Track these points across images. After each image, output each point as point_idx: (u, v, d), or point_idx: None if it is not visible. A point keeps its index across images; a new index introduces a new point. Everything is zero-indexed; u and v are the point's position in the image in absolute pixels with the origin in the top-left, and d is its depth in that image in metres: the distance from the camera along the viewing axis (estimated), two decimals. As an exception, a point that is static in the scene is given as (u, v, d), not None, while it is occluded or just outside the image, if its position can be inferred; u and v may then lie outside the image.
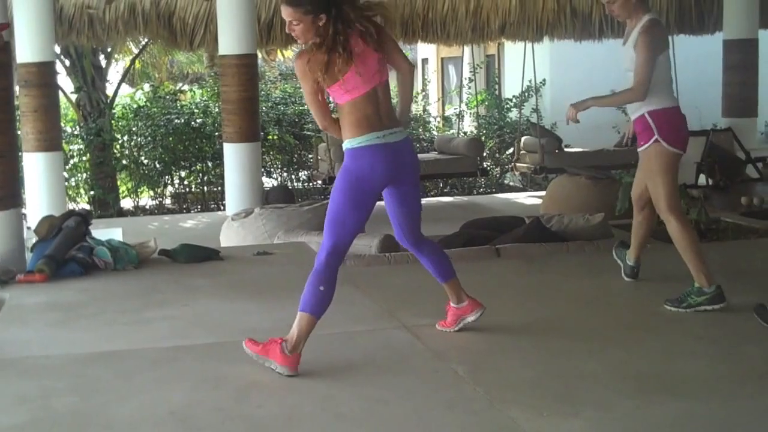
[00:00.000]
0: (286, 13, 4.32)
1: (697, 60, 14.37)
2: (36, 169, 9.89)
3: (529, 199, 12.54)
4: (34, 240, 6.85)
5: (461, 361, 4.45)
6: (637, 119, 5.42)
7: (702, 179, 10.92)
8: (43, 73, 9.98)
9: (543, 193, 11.82)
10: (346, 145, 4.37)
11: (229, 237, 8.25)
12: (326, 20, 4.26)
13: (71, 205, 12.91)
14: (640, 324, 5.11)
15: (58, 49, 12.64)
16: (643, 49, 5.25)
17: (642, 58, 5.24)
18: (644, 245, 5.90)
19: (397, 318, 5.18)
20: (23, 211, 7.71)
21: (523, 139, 13.36)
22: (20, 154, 8.21)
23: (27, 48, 9.79)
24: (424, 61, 21.96)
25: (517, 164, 13.23)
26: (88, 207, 13.45)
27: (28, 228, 7.12)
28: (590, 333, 4.93)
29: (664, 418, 3.71)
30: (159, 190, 14.49)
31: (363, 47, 4.33)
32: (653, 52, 5.27)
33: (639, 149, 5.49)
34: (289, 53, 20.58)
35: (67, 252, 6.45)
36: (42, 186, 9.92)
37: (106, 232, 7.72)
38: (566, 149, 13.26)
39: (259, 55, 15.28)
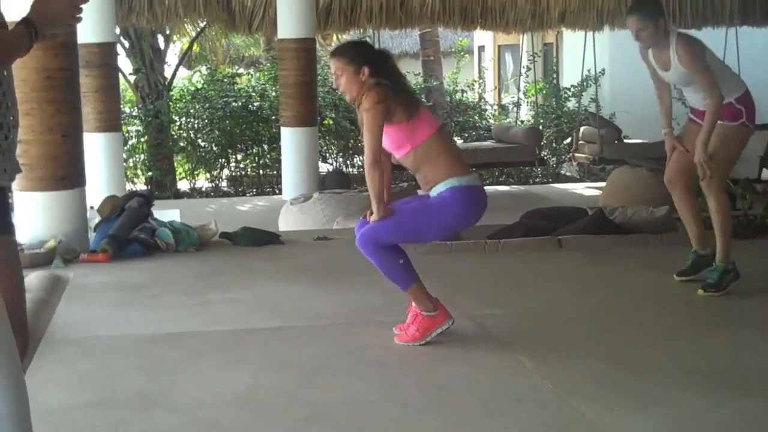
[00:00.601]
0: (332, 63, 4.50)
1: (762, 53, 14.10)
2: (96, 150, 9.94)
3: (586, 190, 12.41)
4: (96, 220, 6.91)
5: (526, 352, 4.40)
6: (725, 107, 5.40)
7: (765, 173, 10.73)
8: (104, 53, 10.05)
9: (600, 184, 11.71)
10: (456, 182, 4.35)
11: (288, 221, 8.26)
12: (368, 74, 4.35)
13: (129, 186, 13.00)
14: (704, 318, 5.05)
15: (117, 31, 12.68)
16: (693, 63, 5.36)
17: (698, 70, 5.36)
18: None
19: (460, 307, 5.13)
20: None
21: (581, 129, 13.23)
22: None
23: (88, 29, 9.82)
24: (481, 48, 21.81)
25: (576, 154, 13.10)
26: (146, 188, 13.54)
27: (91, 207, 7.17)
28: (654, 326, 4.88)
29: (736, 416, 3.65)
30: (215, 173, 14.54)
31: None
32: (702, 60, 5.40)
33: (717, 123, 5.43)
34: (346, 37, 20.58)
35: (129, 232, 6.50)
36: (102, 166, 9.98)
37: (164, 213, 7.75)
38: (625, 140, 13.10)
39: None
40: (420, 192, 4.75)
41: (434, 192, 4.41)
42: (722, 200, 5.50)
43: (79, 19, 2.85)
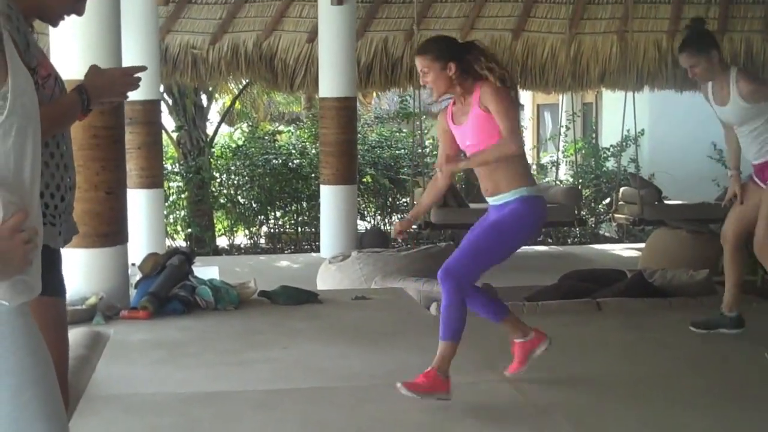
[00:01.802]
0: (417, 62, 4.48)
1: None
2: (138, 206, 10.04)
3: (625, 251, 12.35)
4: (137, 276, 6.96)
5: (566, 417, 4.36)
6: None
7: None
8: (148, 111, 10.18)
9: (640, 245, 11.64)
10: (529, 191, 4.41)
11: (326, 280, 8.28)
12: (456, 71, 4.35)
13: (169, 242, 13.11)
14: (751, 383, 4.96)
15: (162, 88, 12.88)
16: (759, 92, 5.31)
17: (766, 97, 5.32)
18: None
19: (499, 371, 5.10)
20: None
21: (621, 189, 13.18)
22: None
23: (134, 87, 10.02)
24: (520, 107, 21.88)
25: (615, 215, 13.04)
26: (185, 244, 13.63)
27: (132, 264, 7.24)
28: (697, 391, 4.80)
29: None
30: (254, 230, 14.64)
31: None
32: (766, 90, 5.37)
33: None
34: (386, 96, 20.74)
35: (170, 290, 6.54)
36: (143, 222, 10.07)
37: (203, 270, 7.81)
38: (665, 201, 13.04)
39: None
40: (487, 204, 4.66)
41: (500, 201, 4.43)
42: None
43: (135, 88, 2.93)
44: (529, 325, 4.82)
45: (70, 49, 6.07)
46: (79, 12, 2.96)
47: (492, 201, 4.52)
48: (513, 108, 4.34)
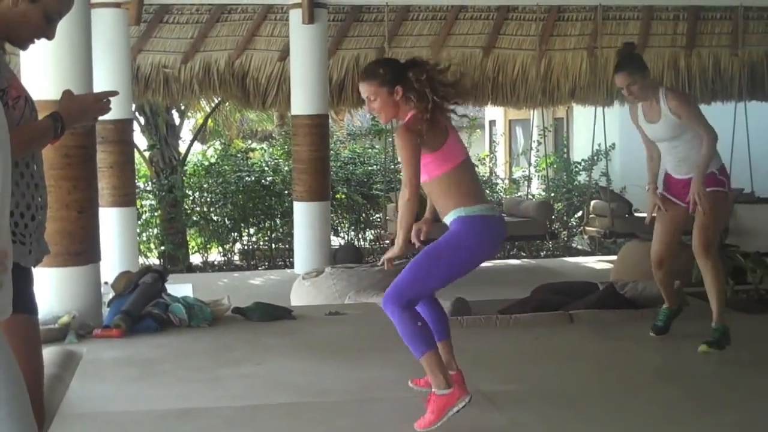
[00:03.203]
0: (361, 89, 4.32)
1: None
2: (111, 224, 10.02)
3: (598, 263, 12.44)
4: (110, 295, 6.96)
5: (539, 428, 4.40)
6: (708, 175, 5.66)
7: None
8: (120, 130, 10.18)
9: (612, 257, 11.72)
10: (465, 212, 4.25)
11: (300, 296, 8.30)
12: (402, 94, 4.23)
13: (142, 260, 13.08)
14: (719, 396, 5.01)
15: (133, 107, 12.88)
16: (686, 107, 5.64)
17: (691, 114, 5.64)
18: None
19: (471, 382, 5.10)
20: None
21: (592, 203, 13.29)
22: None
23: (106, 106, 10.01)
24: (492, 123, 22.01)
25: (587, 228, 13.15)
26: (159, 262, 13.61)
27: (105, 283, 7.23)
28: (668, 403, 4.85)
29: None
30: (228, 247, 14.63)
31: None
32: (694, 105, 5.78)
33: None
34: (358, 113, 20.80)
35: (143, 308, 6.54)
36: (116, 241, 10.05)
37: (176, 287, 7.80)
38: (636, 214, 13.14)
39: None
40: None
41: (447, 222, 4.33)
42: (718, 265, 5.75)
43: (107, 112, 2.97)
44: (461, 375, 4.57)
45: (40, 69, 6.08)
46: (49, 36, 2.98)
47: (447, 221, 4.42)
48: (407, 149, 4.16)
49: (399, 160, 4.29)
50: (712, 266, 5.71)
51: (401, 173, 4.26)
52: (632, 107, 5.93)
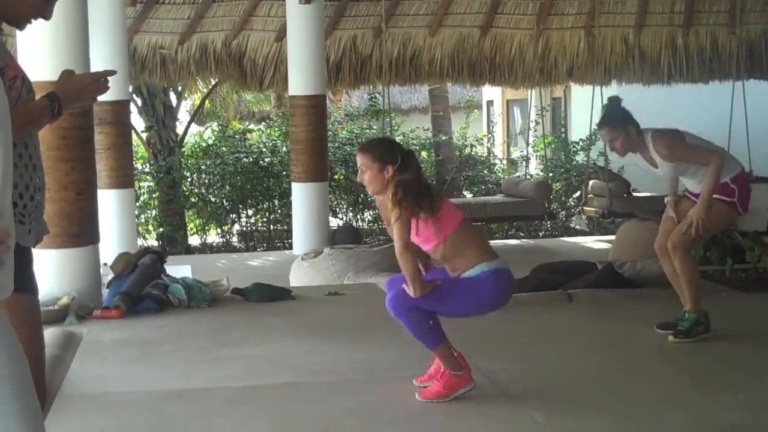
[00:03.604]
0: (357, 158, 4.59)
1: (768, 105, 14.21)
2: (109, 206, 10.00)
3: (596, 243, 12.45)
4: (109, 276, 6.96)
5: (537, 407, 4.41)
6: (720, 185, 5.56)
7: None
8: (118, 111, 10.14)
9: (610, 237, 11.73)
10: (486, 267, 4.41)
11: (299, 276, 8.31)
12: (393, 173, 4.42)
13: (141, 242, 13.08)
14: (719, 375, 5.03)
15: (131, 88, 12.84)
16: (677, 152, 5.56)
17: (685, 156, 5.57)
18: None
19: (471, 361, 5.12)
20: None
21: (590, 182, 13.29)
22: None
23: (103, 87, 9.98)
24: (489, 103, 21.99)
25: (585, 208, 13.15)
26: (157, 244, 13.61)
27: (104, 264, 7.23)
28: (667, 382, 4.87)
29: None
30: (226, 228, 14.63)
31: None
32: (684, 146, 5.60)
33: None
34: (355, 93, 20.76)
35: (142, 289, 6.54)
36: (114, 223, 10.03)
37: (175, 269, 7.80)
38: (634, 194, 13.16)
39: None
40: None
41: (465, 275, 4.46)
42: (687, 262, 5.63)
43: (104, 92, 2.96)
44: (467, 362, 4.65)
45: (37, 50, 6.07)
46: (46, 16, 2.97)
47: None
48: (399, 226, 4.33)
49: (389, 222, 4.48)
50: (680, 263, 5.61)
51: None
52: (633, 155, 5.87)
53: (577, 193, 14.96)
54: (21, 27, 2.97)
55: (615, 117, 5.72)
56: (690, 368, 5.14)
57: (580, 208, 13.71)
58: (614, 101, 5.93)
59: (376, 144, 4.79)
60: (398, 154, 4.52)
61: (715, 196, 5.54)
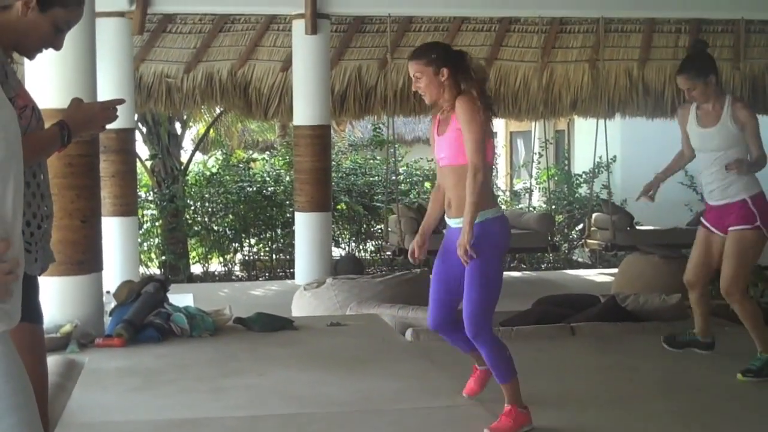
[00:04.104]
0: (410, 66, 4.44)
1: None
2: (112, 234, 10.04)
3: (599, 276, 12.44)
4: (112, 304, 6.95)
5: (540, 441, 4.40)
6: (736, 203, 5.46)
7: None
8: (123, 139, 10.20)
9: (613, 270, 11.73)
10: (496, 212, 4.42)
11: (301, 306, 8.29)
12: (448, 77, 4.33)
13: (143, 270, 13.08)
14: (725, 408, 5.01)
15: (136, 117, 12.89)
16: (756, 122, 5.44)
17: (758, 130, 5.45)
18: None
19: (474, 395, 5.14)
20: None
21: (594, 215, 13.29)
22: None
23: (108, 115, 10.02)
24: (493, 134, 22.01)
25: (588, 240, 13.14)
26: (159, 272, 13.61)
27: (107, 292, 7.23)
28: (672, 415, 4.85)
29: None
30: (229, 257, 14.63)
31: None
32: (757, 122, 5.47)
33: (730, 229, 5.52)
34: (359, 124, 20.81)
35: (145, 317, 6.53)
36: (117, 250, 10.06)
37: (178, 297, 7.80)
38: (638, 227, 13.16)
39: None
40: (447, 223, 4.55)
41: (458, 223, 4.36)
42: (746, 306, 5.52)
43: (113, 120, 2.98)
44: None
45: (45, 78, 6.10)
46: (57, 47, 2.99)
47: (453, 223, 4.45)
48: (479, 123, 4.24)
49: (467, 131, 4.26)
50: (738, 308, 5.52)
51: (470, 147, 4.26)
52: (684, 110, 5.71)
53: (580, 226, 14.96)
54: (31, 57, 2.99)
55: (698, 64, 5.53)
56: (694, 402, 5.12)
57: (583, 240, 13.70)
58: (699, 45, 5.74)
59: (427, 47, 4.63)
60: (452, 56, 4.41)
61: (734, 228, 5.46)
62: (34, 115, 2.89)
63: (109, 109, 3.01)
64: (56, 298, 6.29)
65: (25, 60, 3.45)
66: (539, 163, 16.46)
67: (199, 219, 14.62)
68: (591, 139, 12.49)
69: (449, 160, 4.40)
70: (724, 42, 13.12)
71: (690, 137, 5.69)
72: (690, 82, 5.49)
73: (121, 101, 3.08)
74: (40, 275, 2.95)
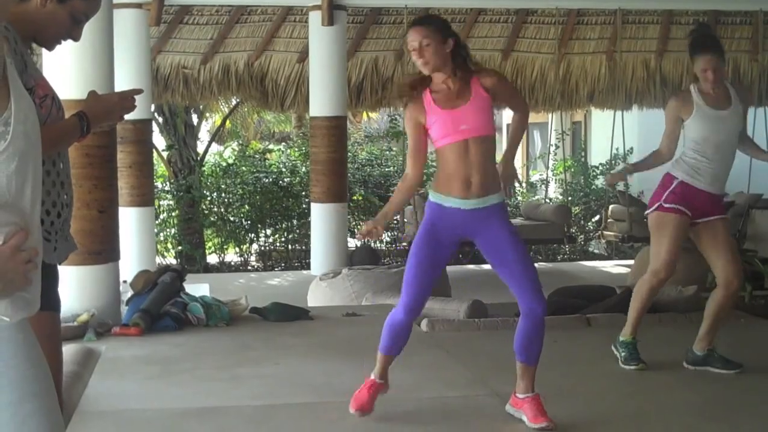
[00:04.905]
0: (414, 33, 4.29)
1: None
2: (129, 224, 10.08)
3: (615, 267, 12.42)
4: (129, 293, 6.99)
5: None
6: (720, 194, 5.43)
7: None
8: (140, 130, 10.24)
9: (629, 261, 11.71)
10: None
11: (317, 297, 8.32)
12: (453, 48, 4.28)
13: (159, 260, 13.13)
14: (741, 397, 5.00)
15: (153, 108, 12.93)
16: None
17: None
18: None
19: (489, 385, 5.15)
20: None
21: (610, 207, 13.28)
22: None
23: (126, 106, 10.06)
24: (509, 126, 21.98)
25: (604, 232, 13.13)
26: (176, 262, 13.66)
27: (124, 281, 7.27)
28: (689, 406, 4.85)
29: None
30: (245, 247, 14.67)
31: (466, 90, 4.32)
32: None
33: (720, 217, 5.44)
34: (375, 115, 20.83)
35: (161, 307, 6.57)
36: (134, 240, 10.11)
37: (194, 287, 7.84)
38: (654, 218, 13.10)
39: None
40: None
41: (487, 203, 4.32)
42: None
43: (131, 110, 3.00)
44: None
45: (63, 69, 6.12)
46: (75, 38, 3.01)
47: (477, 203, 4.30)
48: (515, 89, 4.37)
49: (515, 95, 4.75)
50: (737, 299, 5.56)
51: (521, 101, 4.68)
52: (683, 99, 5.44)
53: (597, 217, 14.94)
54: (50, 48, 3.01)
55: (721, 46, 5.39)
56: (708, 394, 5.12)
57: (599, 232, 13.69)
58: (705, 28, 5.54)
59: (433, 16, 4.59)
60: (454, 32, 4.38)
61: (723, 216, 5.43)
62: (54, 104, 2.90)
63: (127, 99, 3.03)
64: (74, 287, 6.33)
65: (44, 51, 3.47)
66: (556, 154, 16.45)
67: (215, 209, 14.66)
68: (608, 131, 12.49)
69: (477, 130, 4.23)
70: (742, 34, 13.05)
71: (701, 123, 5.37)
72: (717, 63, 5.29)
73: (139, 91, 3.09)
74: (60, 264, 2.97)
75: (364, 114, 20.63)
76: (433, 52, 4.21)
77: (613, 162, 14.83)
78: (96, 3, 3.02)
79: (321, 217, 11.17)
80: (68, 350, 5.64)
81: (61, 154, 2.94)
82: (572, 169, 16.82)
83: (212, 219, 14.55)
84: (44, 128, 2.53)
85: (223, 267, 14.44)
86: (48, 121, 2.82)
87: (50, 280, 2.84)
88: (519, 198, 16.36)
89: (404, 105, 4.50)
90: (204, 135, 18.02)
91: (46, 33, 2.95)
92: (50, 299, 2.83)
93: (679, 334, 6.51)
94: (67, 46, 3.29)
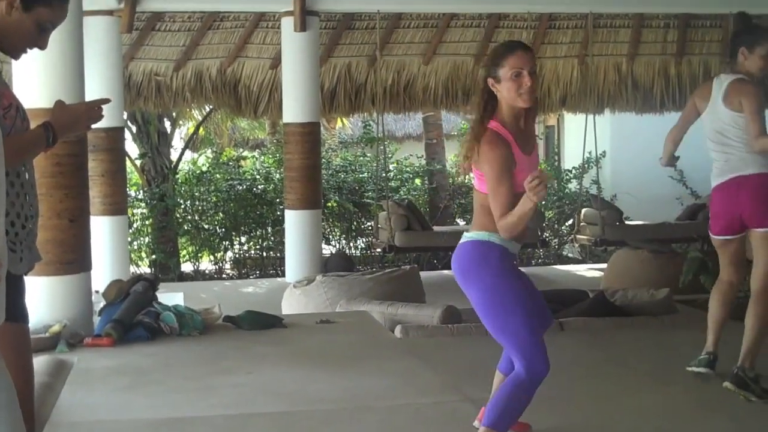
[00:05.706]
0: (529, 58, 3.78)
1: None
2: (102, 233, 10.00)
3: (588, 271, 12.46)
4: (101, 304, 6.94)
5: (529, 437, 4.41)
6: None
7: None
8: (112, 138, 10.16)
9: (602, 265, 11.75)
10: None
11: (291, 304, 8.30)
12: None
13: (133, 269, 13.06)
14: (714, 404, 5.01)
15: (125, 115, 12.87)
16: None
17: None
18: None
19: (462, 391, 5.15)
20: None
21: (583, 210, 13.32)
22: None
23: (97, 114, 9.99)
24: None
25: (577, 236, 13.17)
26: (150, 271, 13.59)
27: (96, 291, 7.22)
28: (663, 412, 4.86)
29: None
30: (219, 255, 14.62)
31: None
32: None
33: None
34: (348, 121, 20.81)
35: (134, 317, 6.53)
36: (107, 250, 10.03)
37: (167, 296, 7.79)
38: (627, 222, 13.18)
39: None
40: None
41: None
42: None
43: (98, 120, 2.98)
44: None
45: (32, 77, 6.08)
46: (42, 46, 3.00)
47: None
48: None
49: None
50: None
51: None
52: (705, 89, 5.27)
53: (570, 221, 14.99)
54: (16, 57, 2.99)
55: None
56: (684, 395, 5.13)
57: (572, 236, 13.73)
58: (746, 18, 5.23)
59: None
60: None
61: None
62: (19, 114, 2.89)
63: (94, 109, 3.02)
64: (45, 297, 6.29)
65: (13, 60, 3.45)
66: (529, 159, 16.45)
67: (189, 217, 14.60)
68: (580, 135, 12.52)
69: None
70: (712, 37, 13.16)
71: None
72: None
73: (106, 101, 3.08)
74: (26, 274, 2.95)
75: (339, 120, 20.61)
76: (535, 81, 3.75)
77: (586, 166, 14.88)
78: (62, 11, 3.00)
79: (295, 224, 11.14)
80: (40, 361, 5.60)
81: (26, 165, 2.92)
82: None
83: (186, 227, 14.49)
84: (8, 139, 2.52)
85: (198, 275, 14.38)
86: (12, 132, 2.80)
87: (16, 290, 2.82)
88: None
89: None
90: (177, 142, 17.95)
91: (11, 41, 2.93)
92: (16, 310, 2.80)
93: (652, 337, 6.57)
94: (36, 55, 3.28)
